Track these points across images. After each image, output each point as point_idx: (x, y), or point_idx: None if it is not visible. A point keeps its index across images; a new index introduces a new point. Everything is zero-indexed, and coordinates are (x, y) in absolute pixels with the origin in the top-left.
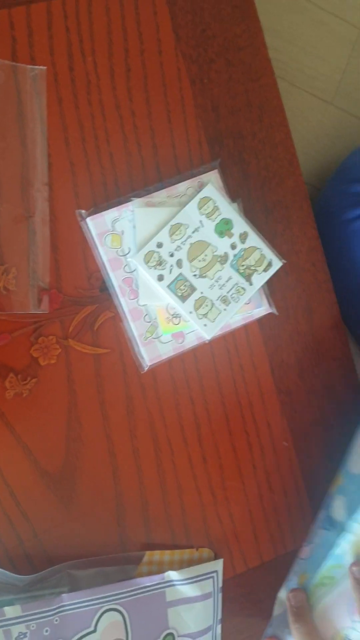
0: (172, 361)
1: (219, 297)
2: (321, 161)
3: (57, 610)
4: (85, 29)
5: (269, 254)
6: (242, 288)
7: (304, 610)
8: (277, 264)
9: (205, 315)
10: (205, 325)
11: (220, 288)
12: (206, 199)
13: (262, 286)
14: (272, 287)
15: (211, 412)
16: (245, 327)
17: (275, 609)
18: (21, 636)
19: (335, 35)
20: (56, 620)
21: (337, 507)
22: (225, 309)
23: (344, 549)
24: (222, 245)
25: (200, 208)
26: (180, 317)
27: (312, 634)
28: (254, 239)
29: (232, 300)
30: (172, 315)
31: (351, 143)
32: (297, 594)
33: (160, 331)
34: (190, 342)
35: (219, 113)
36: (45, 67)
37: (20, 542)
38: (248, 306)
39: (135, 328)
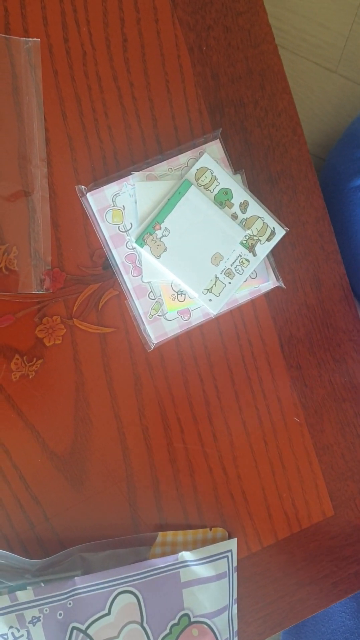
0: (178, 338)
1: (222, 270)
2: (326, 131)
3: (70, 594)
4: None
5: (272, 222)
6: (246, 259)
7: None
8: (280, 232)
9: (209, 290)
10: (210, 300)
11: (224, 261)
12: (203, 169)
13: (269, 260)
14: (278, 260)
15: (220, 389)
16: (253, 302)
17: None
18: (34, 620)
19: (337, 0)
20: (69, 604)
21: None
22: (230, 282)
23: None
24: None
25: (197, 179)
26: (185, 294)
27: None
28: (255, 208)
29: (236, 272)
30: (177, 292)
31: (355, 112)
32: None
33: (165, 308)
34: (196, 318)
35: (219, 81)
36: (39, 39)
37: (31, 525)
38: (255, 280)
39: (140, 306)
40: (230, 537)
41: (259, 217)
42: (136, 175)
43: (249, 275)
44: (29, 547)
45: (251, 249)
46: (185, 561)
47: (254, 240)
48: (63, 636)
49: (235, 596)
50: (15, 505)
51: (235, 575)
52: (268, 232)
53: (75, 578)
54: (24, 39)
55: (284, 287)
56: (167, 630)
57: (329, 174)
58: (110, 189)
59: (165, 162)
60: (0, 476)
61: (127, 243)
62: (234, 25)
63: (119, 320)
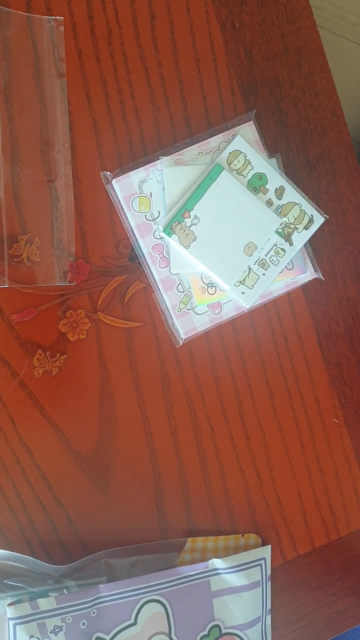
0: (209, 333)
1: (256, 260)
2: None
3: (94, 602)
4: None
5: (310, 209)
6: (282, 249)
7: None
8: (319, 219)
9: (242, 282)
10: (243, 293)
11: (257, 251)
12: (236, 153)
13: (306, 249)
14: (317, 250)
15: (253, 388)
16: (289, 295)
17: None
18: (56, 629)
19: None
20: (93, 613)
21: None
22: (264, 274)
23: None
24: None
25: (229, 164)
26: (216, 286)
27: None
28: (292, 194)
29: (271, 263)
30: (207, 284)
31: None
32: None
33: (195, 301)
34: (228, 312)
35: (252, 59)
36: (62, 17)
37: (55, 529)
38: (291, 272)
39: (168, 299)
40: (263, 544)
41: (296, 203)
42: (164, 160)
43: (285, 267)
44: (52, 551)
45: (287, 237)
46: (216, 569)
47: (290, 228)
48: None
49: (269, 607)
50: (38, 507)
51: (269, 584)
52: (306, 219)
53: (100, 585)
54: (47, 17)
55: (323, 279)
56: None
57: None
58: (136, 175)
59: (195, 145)
60: (22, 476)
61: (154, 232)
62: (269, 0)
63: (146, 314)
